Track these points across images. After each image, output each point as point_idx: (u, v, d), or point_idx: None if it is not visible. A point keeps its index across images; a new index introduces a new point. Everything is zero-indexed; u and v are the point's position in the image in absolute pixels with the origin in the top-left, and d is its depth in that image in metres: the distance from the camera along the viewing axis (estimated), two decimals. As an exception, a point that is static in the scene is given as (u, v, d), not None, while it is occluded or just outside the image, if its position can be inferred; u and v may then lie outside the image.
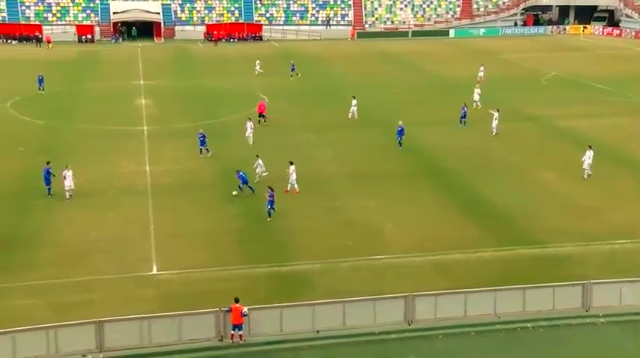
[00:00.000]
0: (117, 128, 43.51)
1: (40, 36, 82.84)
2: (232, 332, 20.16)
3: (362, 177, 34.37)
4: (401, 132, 38.45)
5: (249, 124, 39.53)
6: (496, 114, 41.80)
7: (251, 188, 31.23)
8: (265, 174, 32.34)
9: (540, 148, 39.84)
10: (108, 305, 22.02)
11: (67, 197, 30.29)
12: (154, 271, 24.56)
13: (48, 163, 31.06)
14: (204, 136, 36.97)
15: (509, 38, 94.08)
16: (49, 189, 30.70)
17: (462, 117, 44.03)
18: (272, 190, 28.47)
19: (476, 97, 48.73)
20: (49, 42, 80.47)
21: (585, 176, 33.87)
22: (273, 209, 28.56)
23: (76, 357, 19.45)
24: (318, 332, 20.68)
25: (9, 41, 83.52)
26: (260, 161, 32.57)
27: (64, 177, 30.21)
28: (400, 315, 21.19)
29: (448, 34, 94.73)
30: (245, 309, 19.98)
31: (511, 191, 32.43)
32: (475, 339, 20.78)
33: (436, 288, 22.52)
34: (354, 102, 45.64)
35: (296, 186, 31.66)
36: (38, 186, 31.10)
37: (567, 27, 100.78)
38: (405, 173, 35.10)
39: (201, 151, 36.90)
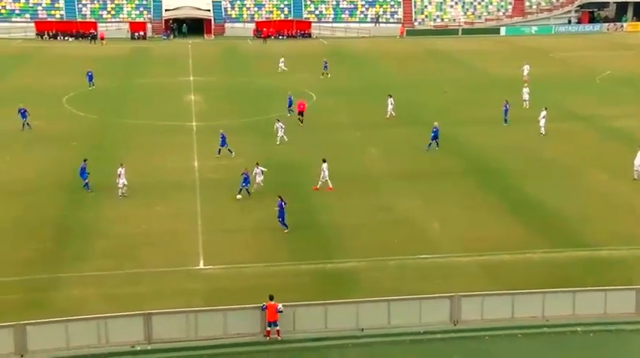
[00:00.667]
0: (167, 123, 44.26)
1: (94, 33, 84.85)
2: (268, 328, 20.32)
3: (408, 175, 34.14)
4: (436, 133, 37.84)
5: (279, 125, 39.22)
6: (544, 113, 40.98)
7: (247, 191, 30.65)
8: (260, 185, 31.04)
9: (592, 149, 38.91)
10: (156, 297, 22.45)
11: (120, 194, 30.71)
12: (201, 265, 24.93)
13: (85, 161, 31.74)
14: (224, 136, 36.73)
15: (562, 36, 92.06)
16: (87, 184, 31.33)
17: (505, 115, 43.27)
18: (281, 200, 27.23)
19: (525, 97, 47.86)
20: (102, 39, 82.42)
21: (636, 176, 33.00)
22: (284, 222, 27.17)
23: (125, 348, 19.91)
24: (362, 330, 20.67)
25: (66, 38, 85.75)
26: (260, 169, 31.28)
27: (119, 175, 30.64)
28: (446, 315, 21.04)
29: (499, 32, 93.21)
30: (280, 306, 20.10)
31: (561, 192, 31.76)
32: (522, 342, 20.46)
33: (482, 289, 22.26)
34: (391, 100, 45.21)
35: (329, 183, 31.44)
36: (90, 180, 31.78)
37: (625, 24, 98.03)
38: (452, 172, 34.72)
39: (219, 151, 36.44)
